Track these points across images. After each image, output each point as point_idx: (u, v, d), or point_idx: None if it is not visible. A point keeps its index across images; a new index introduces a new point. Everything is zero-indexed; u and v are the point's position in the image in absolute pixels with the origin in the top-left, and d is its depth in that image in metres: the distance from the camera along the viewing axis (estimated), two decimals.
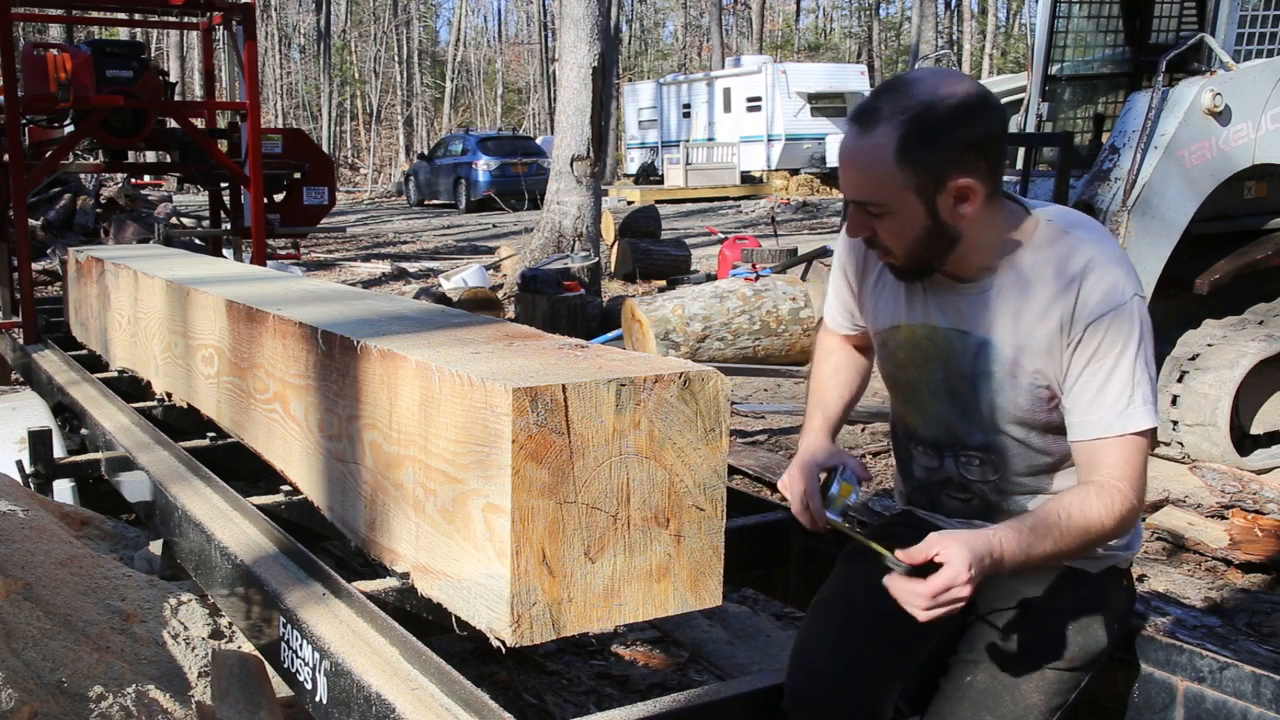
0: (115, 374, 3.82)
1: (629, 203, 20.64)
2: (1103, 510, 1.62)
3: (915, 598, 1.52)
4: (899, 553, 1.56)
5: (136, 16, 6.79)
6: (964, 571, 1.50)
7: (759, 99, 25.75)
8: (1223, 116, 4.84)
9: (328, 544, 2.81)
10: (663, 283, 10.49)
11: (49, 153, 5.54)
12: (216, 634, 2.31)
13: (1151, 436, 1.68)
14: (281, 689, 2.11)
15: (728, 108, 26.81)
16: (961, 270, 1.73)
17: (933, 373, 1.81)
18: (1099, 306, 1.64)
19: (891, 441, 2.03)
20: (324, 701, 1.75)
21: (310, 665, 1.79)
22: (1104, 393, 1.65)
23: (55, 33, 19.76)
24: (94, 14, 6.72)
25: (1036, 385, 1.72)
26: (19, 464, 3.22)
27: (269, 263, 6.22)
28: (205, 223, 9.59)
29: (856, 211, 1.70)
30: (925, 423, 1.85)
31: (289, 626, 1.88)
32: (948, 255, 1.71)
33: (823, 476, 1.82)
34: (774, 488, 4.68)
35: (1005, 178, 1.95)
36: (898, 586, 1.54)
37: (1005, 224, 1.71)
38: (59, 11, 8.65)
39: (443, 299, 8.78)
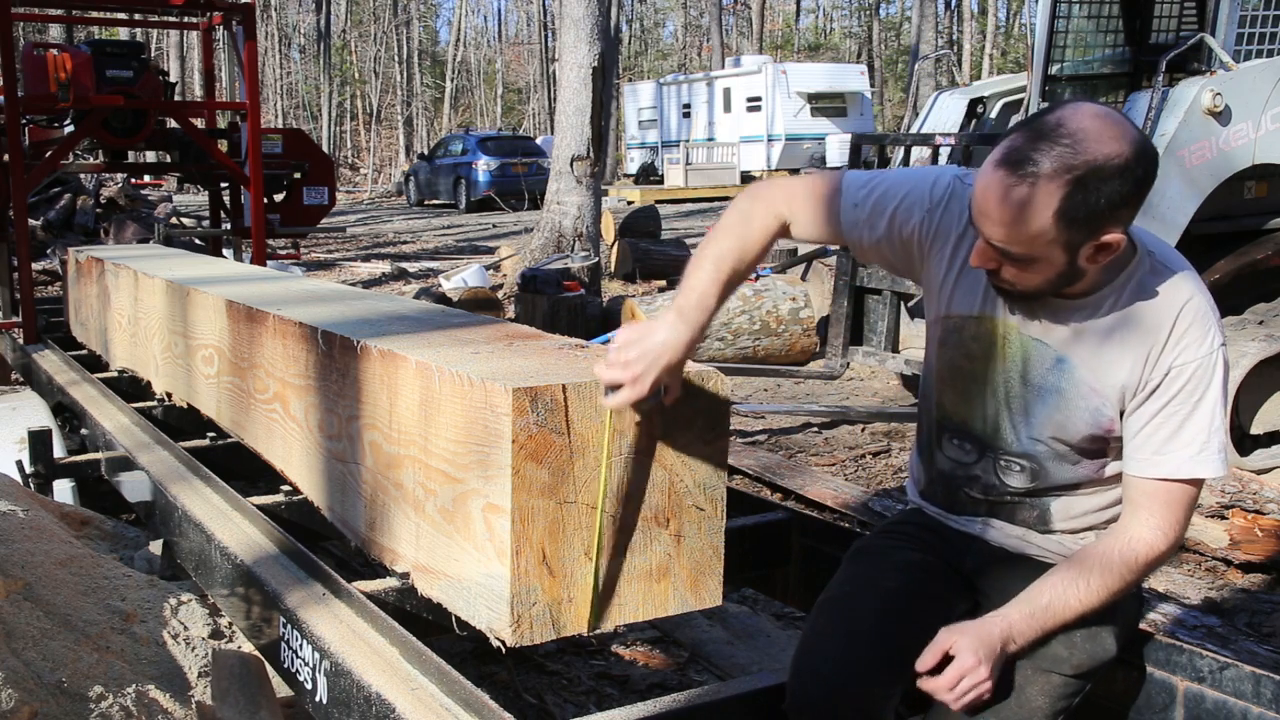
0: (115, 374, 3.82)
1: (629, 203, 20.64)
2: (1124, 569, 1.70)
3: (940, 694, 1.69)
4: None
5: (136, 16, 6.79)
6: (971, 660, 1.65)
7: (759, 99, 25.75)
8: (1223, 116, 4.84)
9: (328, 544, 2.81)
10: (663, 283, 10.49)
11: (49, 153, 5.53)
12: (216, 634, 2.31)
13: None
14: (281, 689, 2.11)
15: (728, 108, 26.80)
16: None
17: (1000, 372, 1.79)
18: (1185, 353, 1.65)
19: (919, 427, 1.99)
20: (324, 701, 1.75)
21: (310, 665, 1.79)
22: (1179, 436, 1.67)
23: (55, 33, 19.74)
24: (94, 14, 6.72)
25: (1100, 412, 1.72)
26: (19, 464, 3.22)
27: (269, 263, 6.22)
28: (205, 223, 9.59)
29: (989, 250, 1.64)
30: (975, 418, 1.83)
31: (289, 626, 1.88)
32: (1064, 289, 1.69)
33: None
34: (774, 487, 4.69)
35: None
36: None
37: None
38: (59, 11, 8.65)
39: (443, 299, 8.78)
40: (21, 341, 4.89)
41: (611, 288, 10.64)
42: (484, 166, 23.13)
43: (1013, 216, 1.56)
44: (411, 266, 13.06)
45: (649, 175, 26.72)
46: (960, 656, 1.67)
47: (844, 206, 1.86)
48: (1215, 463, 1.67)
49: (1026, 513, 1.83)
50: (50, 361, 4.27)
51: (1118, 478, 1.76)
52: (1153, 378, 1.67)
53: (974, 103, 6.56)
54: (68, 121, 5.78)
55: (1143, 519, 1.70)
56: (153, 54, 29.27)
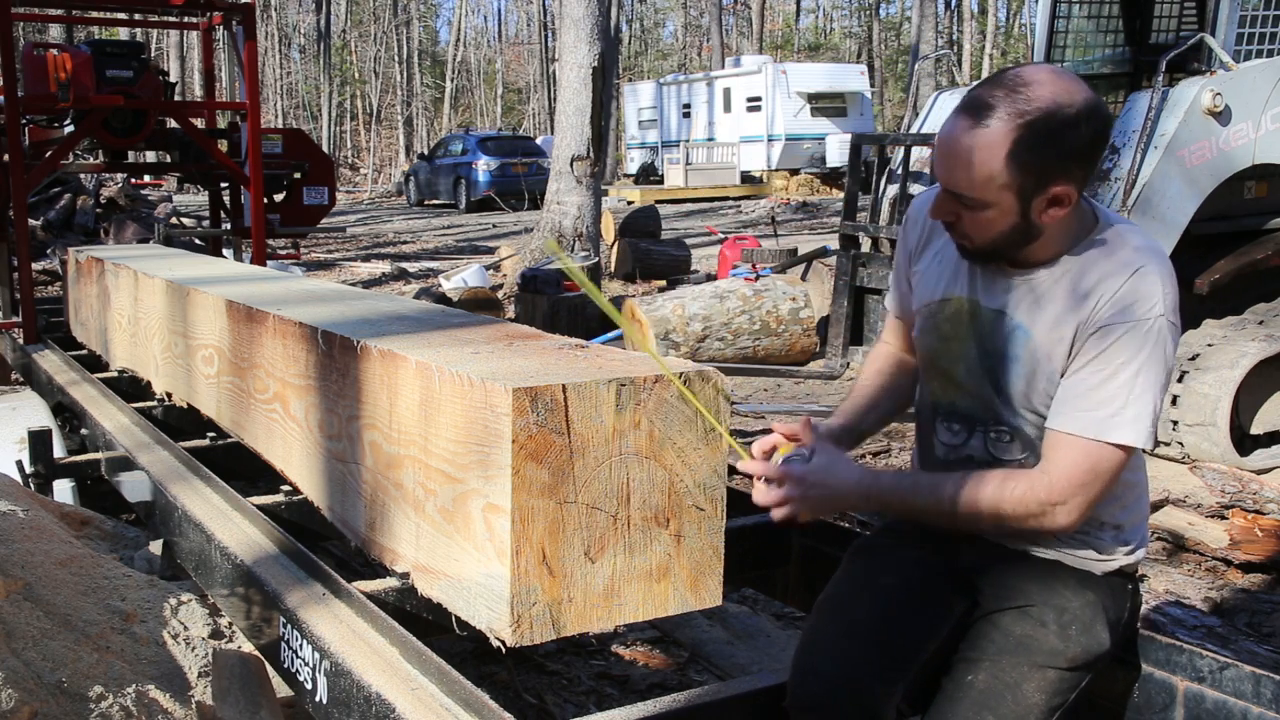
0: (115, 374, 3.82)
1: (629, 203, 20.63)
2: (1006, 495, 1.70)
3: (754, 491, 1.81)
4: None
5: (136, 16, 6.79)
6: (786, 490, 1.75)
7: (759, 99, 25.74)
8: (1223, 116, 4.85)
9: (328, 544, 2.81)
10: (663, 283, 10.50)
11: (49, 153, 5.53)
12: (216, 634, 2.31)
13: (1126, 455, 1.68)
14: (281, 689, 2.11)
15: (728, 108, 26.80)
16: (1019, 258, 1.76)
17: (970, 348, 1.82)
18: (1121, 314, 1.66)
19: (916, 428, 2.02)
20: (324, 701, 1.75)
21: (310, 665, 1.79)
22: (1093, 394, 1.66)
23: (55, 33, 19.74)
24: (94, 14, 6.72)
25: (1056, 378, 1.73)
26: (19, 464, 3.22)
27: (269, 263, 6.22)
28: (205, 223, 9.59)
29: (947, 198, 1.70)
30: (960, 396, 1.86)
31: (289, 626, 1.88)
32: (1022, 250, 1.73)
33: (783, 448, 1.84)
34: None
35: None
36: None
37: (1073, 223, 1.73)
38: (59, 11, 8.65)
39: (443, 299, 8.78)
40: (21, 341, 4.89)
41: (611, 288, 10.64)
42: (484, 166, 23.13)
43: (967, 159, 1.64)
44: (411, 266, 13.06)
45: (649, 175, 26.72)
46: (789, 482, 1.76)
47: (889, 305, 2.09)
48: (1130, 431, 1.65)
49: None
50: (50, 361, 4.27)
51: None
52: (1086, 336, 1.69)
53: None
54: (68, 121, 5.78)
55: (1042, 466, 1.71)
56: (153, 54, 29.27)
